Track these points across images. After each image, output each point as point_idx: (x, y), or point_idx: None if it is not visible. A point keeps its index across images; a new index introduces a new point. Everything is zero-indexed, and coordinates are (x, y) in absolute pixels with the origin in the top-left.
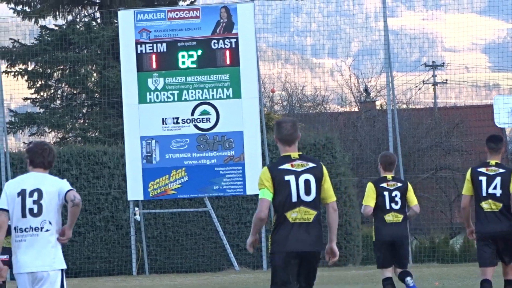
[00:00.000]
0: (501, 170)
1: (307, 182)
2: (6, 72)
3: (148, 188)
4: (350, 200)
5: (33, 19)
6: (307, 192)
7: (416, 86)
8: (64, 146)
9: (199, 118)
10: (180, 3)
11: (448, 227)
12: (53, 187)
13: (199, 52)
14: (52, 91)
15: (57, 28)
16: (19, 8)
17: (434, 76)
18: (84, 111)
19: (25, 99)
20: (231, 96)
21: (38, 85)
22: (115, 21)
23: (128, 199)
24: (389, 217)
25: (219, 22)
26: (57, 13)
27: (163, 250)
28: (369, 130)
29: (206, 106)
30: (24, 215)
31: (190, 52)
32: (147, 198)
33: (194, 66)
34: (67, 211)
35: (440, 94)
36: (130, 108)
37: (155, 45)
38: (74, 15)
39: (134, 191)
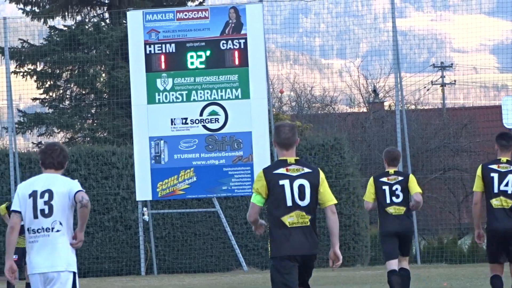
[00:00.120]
0: None
1: (301, 187)
2: (15, 72)
3: (157, 189)
4: (358, 200)
5: (42, 20)
6: (301, 197)
7: (425, 87)
8: (72, 146)
9: (208, 119)
10: (189, 3)
11: (456, 227)
12: (63, 187)
13: (208, 52)
14: (61, 91)
15: (66, 28)
16: (28, 8)
17: (442, 77)
18: (92, 111)
19: (34, 99)
20: (239, 96)
21: (47, 86)
22: (124, 21)
23: (137, 199)
24: (391, 210)
25: (228, 23)
26: (66, 13)
27: (172, 250)
28: (377, 131)
29: (214, 107)
30: (36, 216)
31: (199, 53)
32: (156, 199)
33: (203, 66)
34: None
35: (448, 95)
36: (139, 109)
37: (164, 45)
38: (83, 15)
39: (143, 191)
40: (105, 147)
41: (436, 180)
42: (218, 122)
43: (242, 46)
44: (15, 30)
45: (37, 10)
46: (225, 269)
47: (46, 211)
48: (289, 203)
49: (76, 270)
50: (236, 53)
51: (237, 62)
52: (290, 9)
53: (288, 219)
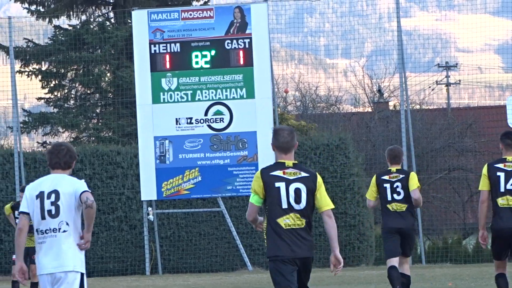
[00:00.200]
0: None
1: (297, 190)
2: (20, 72)
3: (162, 188)
4: (363, 200)
5: (47, 19)
6: (297, 200)
7: (430, 87)
8: (77, 146)
9: (213, 118)
10: (194, 3)
11: (461, 227)
12: (70, 188)
13: (213, 52)
14: (66, 91)
15: (71, 28)
16: (33, 8)
17: (447, 76)
18: (97, 111)
19: (39, 99)
20: (244, 96)
21: (51, 85)
22: (129, 21)
23: (142, 199)
24: (392, 207)
25: (233, 22)
26: (71, 13)
27: (177, 250)
28: (382, 131)
29: (219, 106)
30: (43, 217)
31: (204, 52)
32: (161, 198)
33: (208, 66)
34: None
35: (453, 95)
36: (144, 108)
37: (168, 45)
38: (88, 15)
39: (148, 191)
40: (110, 147)
41: (441, 180)
42: (223, 121)
43: (247, 46)
44: (20, 30)
45: (42, 10)
46: (230, 269)
47: (53, 212)
48: (284, 205)
49: (84, 271)
50: (241, 52)
51: (242, 62)
52: (295, 9)
53: (284, 221)
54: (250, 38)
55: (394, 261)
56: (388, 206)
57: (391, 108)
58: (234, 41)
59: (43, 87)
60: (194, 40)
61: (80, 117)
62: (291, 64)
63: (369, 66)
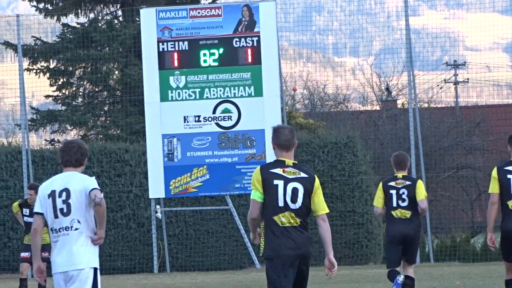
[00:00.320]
0: None
1: (294, 190)
2: (28, 70)
3: (170, 186)
4: (371, 198)
5: (55, 17)
6: (293, 200)
7: (438, 85)
8: (85, 143)
9: (221, 116)
10: (202, 1)
11: (469, 226)
12: (80, 185)
13: (221, 50)
14: (74, 88)
15: (79, 26)
16: (41, 5)
17: (455, 75)
18: (105, 108)
19: (47, 96)
20: (252, 94)
21: (60, 83)
22: (137, 19)
23: (150, 197)
24: (396, 213)
25: (241, 21)
26: (79, 11)
27: (185, 248)
28: (390, 129)
29: (227, 104)
30: (56, 216)
31: (212, 50)
32: (169, 196)
33: (216, 64)
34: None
35: (461, 93)
36: (152, 106)
37: (177, 43)
38: (96, 13)
39: (156, 189)
40: (118, 145)
41: (449, 179)
42: (231, 119)
43: (255, 44)
44: (28, 28)
45: (50, 8)
46: (238, 267)
47: (65, 210)
48: (281, 203)
49: (97, 265)
50: (249, 50)
51: (250, 60)
52: (303, 7)
53: (280, 219)
54: (258, 36)
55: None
56: (393, 212)
57: (399, 106)
58: (242, 39)
59: (51, 85)
60: (202, 38)
61: (88, 115)
62: (299, 62)
63: (377, 64)
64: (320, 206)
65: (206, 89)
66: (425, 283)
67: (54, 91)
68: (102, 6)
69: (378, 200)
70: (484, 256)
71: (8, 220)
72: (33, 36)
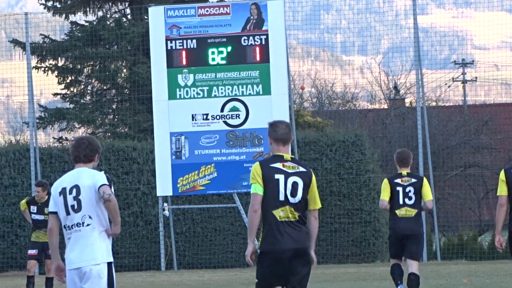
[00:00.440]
0: None
1: (295, 184)
2: (37, 68)
3: (177, 184)
4: (378, 197)
5: (64, 15)
6: (293, 194)
7: (446, 84)
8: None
9: (229, 115)
10: None
11: (476, 224)
12: (89, 180)
13: (229, 48)
14: (82, 86)
15: (87, 24)
16: (49, 3)
17: (463, 73)
18: (113, 106)
19: (55, 94)
20: (260, 92)
21: (68, 81)
22: (146, 17)
23: (157, 194)
24: (401, 212)
25: (249, 19)
26: (88, 9)
27: (192, 246)
28: (398, 127)
29: (235, 103)
30: (68, 213)
31: (220, 49)
32: (176, 194)
33: (224, 62)
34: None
35: (469, 92)
36: (160, 104)
37: (185, 41)
38: (104, 11)
39: (163, 186)
40: (126, 143)
41: (456, 177)
42: (239, 118)
43: (263, 42)
44: (36, 25)
45: (58, 6)
46: (245, 264)
47: (76, 207)
48: (281, 197)
49: (111, 260)
50: (257, 49)
51: (258, 58)
52: (311, 6)
53: (279, 213)
54: (267, 35)
55: (399, 260)
56: (397, 211)
57: (407, 105)
58: (251, 38)
59: (59, 83)
60: (211, 36)
61: (96, 113)
62: (307, 60)
63: (386, 63)
64: (313, 200)
65: (214, 87)
66: (432, 281)
67: (62, 89)
68: (110, 4)
69: (385, 194)
70: (491, 254)
71: (16, 218)
72: (41, 34)
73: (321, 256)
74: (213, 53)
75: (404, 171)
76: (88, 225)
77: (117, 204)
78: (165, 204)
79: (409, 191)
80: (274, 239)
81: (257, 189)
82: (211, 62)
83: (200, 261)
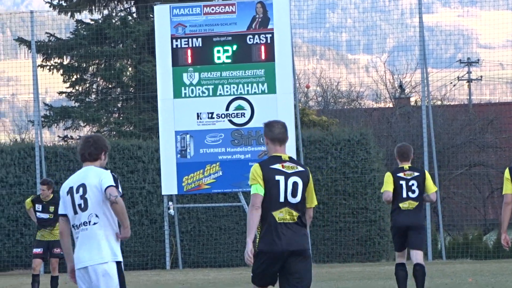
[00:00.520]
0: None
1: (295, 184)
2: (42, 66)
3: (182, 183)
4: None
5: (69, 13)
6: (294, 194)
7: (451, 83)
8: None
9: (234, 113)
10: None
11: (481, 223)
12: (95, 179)
13: (235, 47)
14: (87, 85)
15: (93, 22)
16: (55, 2)
17: (469, 72)
18: (119, 105)
19: (60, 93)
20: (266, 91)
21: (73, 79)
22: (151, 15)
23: (162, 193)
24: (404, 205)
25: (255, 18)
26: (93, 7)
27: (197, 245)
28: (403, 126)
29: (241, 101)
30: (75, 212)
31: (226, 47)
32: (181, 193)
33: (229, 61)
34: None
35: (474, 91)
36: (165, 103)
37: (190, 40)
38: (110, 9)
39: (168, 185)
40: (131, 141)
41: (461, 176)
42: (244, 116)
43: (268, 41)
44: (42, 24)
45: (64, 4)
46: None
47: (82, 205)
48: (282, 199)
49: (120, 259)
50: (263, 47)
51: (263, 57)
52: (317, 4)
53: (279, 215)
54: (272, 33)
55: (402, 257)
56: (400, 204)
57: (412, 103)
58: (256, 36)
59: (64, 81)
60: (216, 35)
61: (101, 112)
62: (312, 59)
63: (391, 61)
64: (310, 199)
65: (220, 86)
66: (437, 280)
67: (68, 87)
68: (116, 2)
69: (389, 185)
70: (496, 253)
71: (21, 216)
72: (46, 33)
73: (326, 255)
74: (218, 51)
75: (406, 165)
76: (95, 223)
77: (124, 207)
78: (170, 203)
79: (412, 184)
80: (271, 240)
81: (258, 189)
82: (216, 61)
83: (205, 260)
